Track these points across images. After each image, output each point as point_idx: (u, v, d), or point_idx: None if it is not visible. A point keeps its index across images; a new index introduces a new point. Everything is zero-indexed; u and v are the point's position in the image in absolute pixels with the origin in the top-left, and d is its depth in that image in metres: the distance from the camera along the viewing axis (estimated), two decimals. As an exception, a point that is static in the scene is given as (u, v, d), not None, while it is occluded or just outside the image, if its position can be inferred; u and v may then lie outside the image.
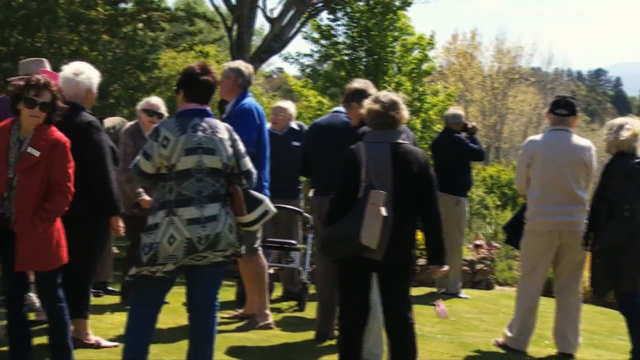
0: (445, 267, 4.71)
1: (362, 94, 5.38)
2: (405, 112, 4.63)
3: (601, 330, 7.64)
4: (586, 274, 6.10)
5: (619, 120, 5.83)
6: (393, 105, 4.58)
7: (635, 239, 5.53)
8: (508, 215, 13.73)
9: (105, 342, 5.38)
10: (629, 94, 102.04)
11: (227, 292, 7.22)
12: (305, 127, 7.97)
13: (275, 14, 14.44)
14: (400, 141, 4.56)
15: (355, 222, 4.29)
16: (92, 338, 5.35)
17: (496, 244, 11.35)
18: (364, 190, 4.38)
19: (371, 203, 4.30)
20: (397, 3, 15.01)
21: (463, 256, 9.42)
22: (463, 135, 8.75)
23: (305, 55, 16.73)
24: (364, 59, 15.30)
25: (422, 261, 7.65)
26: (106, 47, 13.30)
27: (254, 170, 4.53)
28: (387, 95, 4.67)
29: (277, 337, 6.08)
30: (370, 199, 4.31)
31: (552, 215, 5.91)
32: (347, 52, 15.58)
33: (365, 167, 4.44)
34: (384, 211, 4.31)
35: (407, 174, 4.48)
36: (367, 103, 4.66)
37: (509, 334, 6.18)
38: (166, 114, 6.99)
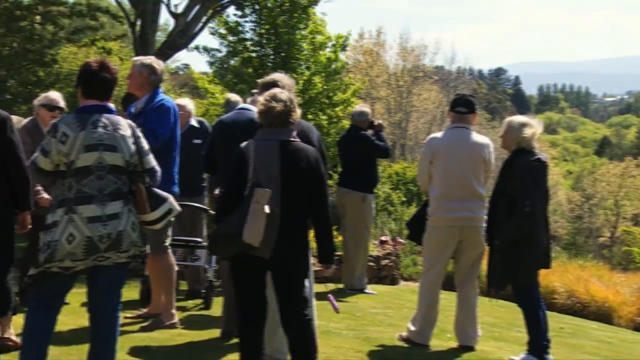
0: (333, 267, 4.78)
1: (278, 86, 5.32)
2: (297, 111, 4.62)
3: (500, 322, 7.87)
4: (484, 268, 6.26)
5: (520, 118, 5.95)
6: (284, 103, 4.56)
7: (533, 234, 5.70)
8: (413, 211, 13.91)
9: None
10: (527, 92, 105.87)
11: (131, 291, 7.10)
12: (206, 123, 7.91)
13: (180, 9, 14.24)
14: (291, 139, 4.54)
15: (239, 220, 4.26)
16: None
17: (401, 240, 11.55)
18: (250, 189, 4.36)
19: (255, 201, 4.28)
20: (304, 1, 15.03)
21: (369, 252, 9.55)
22: (369, 132, 8.86)
23: (214, 49, 16.60)
24: (272, 56, 15.28)
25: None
26: (2, 42, 12.83)
27: (157, 168, 4.48)
28: (279, 93, 4.65)
29: (182, 336, 6.01)
30: (255, 197, 4.30)
31: (453, 211, 6.03)
32: (255, 48, 15.51)
33: (253, 165, 4.42)
34: (267, 209, 4.29)
35: (296, 172, 4.45)
36: (259, 102, 4.65)
37: (412, 328, 6.28)
38: (66, 109, 6.82)
